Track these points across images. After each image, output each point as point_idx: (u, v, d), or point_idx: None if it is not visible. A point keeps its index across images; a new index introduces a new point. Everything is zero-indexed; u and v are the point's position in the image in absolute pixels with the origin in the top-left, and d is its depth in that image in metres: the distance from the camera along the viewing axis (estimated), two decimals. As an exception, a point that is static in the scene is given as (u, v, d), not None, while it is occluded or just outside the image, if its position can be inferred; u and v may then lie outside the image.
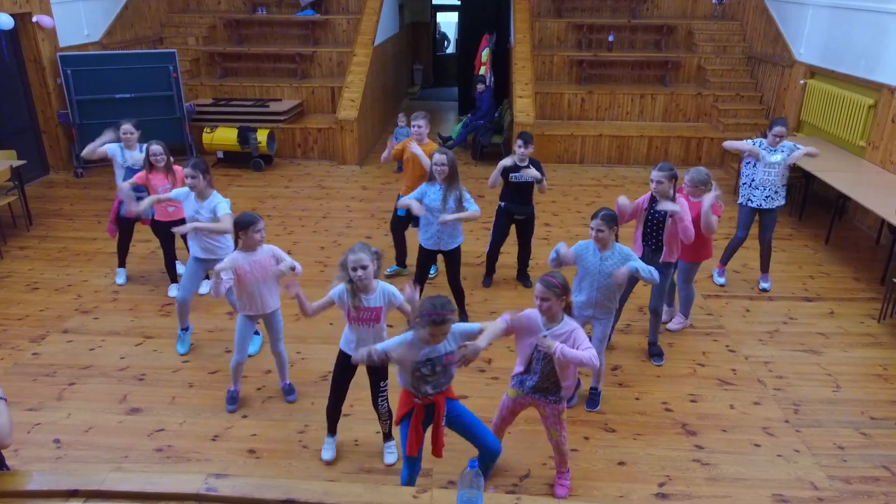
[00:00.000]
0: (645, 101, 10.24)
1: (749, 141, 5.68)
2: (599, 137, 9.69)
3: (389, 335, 3.36)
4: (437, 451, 3.28)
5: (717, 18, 11.18)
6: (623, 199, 4.37)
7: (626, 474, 3.80)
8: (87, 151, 5.60)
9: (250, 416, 4.25)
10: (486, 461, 3.33)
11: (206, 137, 9.22)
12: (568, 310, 3.30)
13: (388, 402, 3.73)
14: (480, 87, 9.88)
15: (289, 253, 4.09)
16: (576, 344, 3.20)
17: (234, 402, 4.30)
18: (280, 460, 3.88)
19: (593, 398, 4.37)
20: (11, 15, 7.66)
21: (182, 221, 4.93)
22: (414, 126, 5.59)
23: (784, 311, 5.63)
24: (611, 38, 10.90)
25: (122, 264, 5.99)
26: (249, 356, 4.78)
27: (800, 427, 4.21)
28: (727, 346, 5.12)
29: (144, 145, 5.30)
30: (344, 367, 3.66)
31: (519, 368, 3.44)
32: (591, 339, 3.46)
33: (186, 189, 4.63)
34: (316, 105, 10.49)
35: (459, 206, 4.82)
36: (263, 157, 9.35)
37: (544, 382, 3.36)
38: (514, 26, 10.65)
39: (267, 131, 9.19)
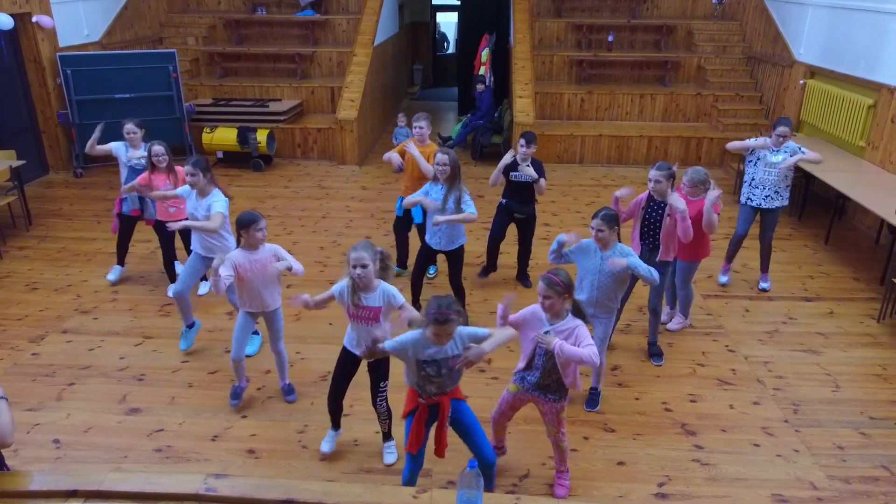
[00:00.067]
0: (645, 101, 10.24)
1: (752, 140, 5.69)
2: (599, 137, 9.69)
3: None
4: (439, 451, 3.28)
5: (717, 18, 11.19)
6: (622, 191, 4.39)
7: (625, 474, 3.80)
8: (87, 147, 5.70)
9: (250, 417, 4.25)
10: (482, 470, 3.32)
11: (206, 137, 9.22)
12: (576, 309, 3.30)
13: (387, 402, 3.73)
14: (480, 87, 9.88)
15: (288, 253, 4.09)
16: (577, 341, 3.20)
17: (238, 397, 4.30)
18: (279, 460, 3.88)
19: (593, 398, 4.37)
20: (11, 15, 7.66)
21: None
22: (416, 127, 5.55)
23: (784, 311, 5.63)
24: (610, 38, 10.90)
25: (120, 262, 6.00)
26: (248, 356, 4.78)
27: (799, 427, 4.21)
28: (727, 346, 5.13)
29: (148, 144, 5.31)
30: (345, 364, 3.68)
31: (521, 364, 3.44)
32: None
33: (188, 187, 4.65)
34: (316, 105, 10.49)
35: (458, 208, 4.81)
36: (263, 157, 9.34)
37: (545, 379, 3.36)
38: (514, 26, 10.65)
39: (267, 131, 9.18)
